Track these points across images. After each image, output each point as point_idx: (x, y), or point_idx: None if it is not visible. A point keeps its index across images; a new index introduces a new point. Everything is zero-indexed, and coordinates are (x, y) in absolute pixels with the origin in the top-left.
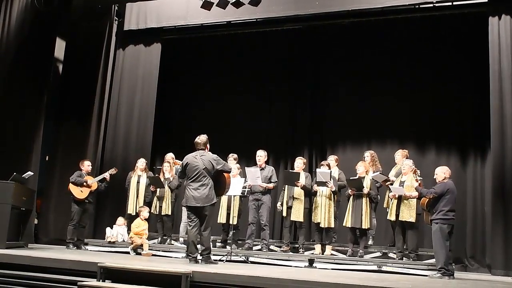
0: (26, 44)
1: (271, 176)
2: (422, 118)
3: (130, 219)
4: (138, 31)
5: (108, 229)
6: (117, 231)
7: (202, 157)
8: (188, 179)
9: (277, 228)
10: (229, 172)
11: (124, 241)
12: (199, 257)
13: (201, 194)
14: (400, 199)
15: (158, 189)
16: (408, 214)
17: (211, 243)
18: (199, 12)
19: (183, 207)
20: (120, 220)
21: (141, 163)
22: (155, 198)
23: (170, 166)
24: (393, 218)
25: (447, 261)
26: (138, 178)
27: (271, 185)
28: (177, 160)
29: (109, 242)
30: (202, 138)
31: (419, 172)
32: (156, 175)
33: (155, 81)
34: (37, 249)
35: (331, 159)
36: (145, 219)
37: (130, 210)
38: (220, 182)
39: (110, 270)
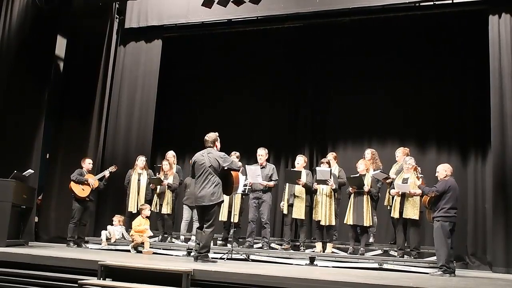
0: (27, 42)
1: (272, 175)
2: (422, 116)
3: (131, 217)
4: (139, 29)
5: (103, 232)
6: (113, 230)
7: (209, 155)
8: (196, 177)
9: (278, 226)
10: (238, 170)
11: (124, 237)
12: (196, 254)
13: (207, 192)
14: (404, 196)
15: (158, 187)
16: (412, 211)
17: (211, 242)
18: (200, 10)
19: (184, 206)
20: (115, 220)
21: (141, 161)
22: (155, 196)
23: (169, 165)
24: (396, 215)
25: (448, 258)
26: (139, 176)
27: (271, 183)
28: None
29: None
30: (210, 136)
31: (420, 170)
32: (157, 173)
33: (156, 79)
34: (38, 247)
35: (330, 156)
36: (146, 217)
37: (131, 208)
38: (228, 181)
39: (111, 268)
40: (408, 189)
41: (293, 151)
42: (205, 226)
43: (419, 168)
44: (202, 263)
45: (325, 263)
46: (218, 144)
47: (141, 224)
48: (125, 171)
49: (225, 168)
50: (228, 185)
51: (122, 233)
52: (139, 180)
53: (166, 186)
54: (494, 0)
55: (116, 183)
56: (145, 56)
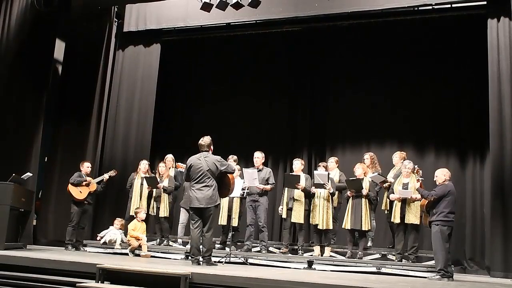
0: (25, 45)
1: (268, 178)
2: (421, 120)
3: (131, 220)
4: (137, 32)
5: (104, 235)
6: (113, 235)
7: (206, 159)
8: (192, 180)
9: (276, 229)
10: (233, 173)
11: (123, 241)
12: (201, 258)
13: (205, 195)
14: (405, 201)
15: (154, 190)
16: (414, 216)
17: (213, 245)
18: (198, 13)
19: (181, 208)
20: (117, 224)
21: (144, 165)
22: (152, 199)
23: (165, 167)
24: (397, 220)
25: (447, 263)
26: (142, 180)
27: (268, 187)
28: (180, 164)
29: (104, 243)
30: (205, 140)
31: (421, 172)
32: (152, 174)
33: (155, 82)
34: (36, 250)
35: (331, 160)
36: (142, 220)
37: (133, 212)
38: (224, 183)
39: (109, 271)
40: (410, 194)
41: (291, 154)
42: (204, 230)
43: (420, 170)
44: (202, 266)
45: (323, 267)
46: (212, 147)
47: (136, 228)
48: (123, 175)
49: (222, 171)
50: (225, 188)
51: (122, 238)
52: (141, 184)
53: (162, 190)
54: (493, 4)
55: (115, 187)
56: (144, 60)
